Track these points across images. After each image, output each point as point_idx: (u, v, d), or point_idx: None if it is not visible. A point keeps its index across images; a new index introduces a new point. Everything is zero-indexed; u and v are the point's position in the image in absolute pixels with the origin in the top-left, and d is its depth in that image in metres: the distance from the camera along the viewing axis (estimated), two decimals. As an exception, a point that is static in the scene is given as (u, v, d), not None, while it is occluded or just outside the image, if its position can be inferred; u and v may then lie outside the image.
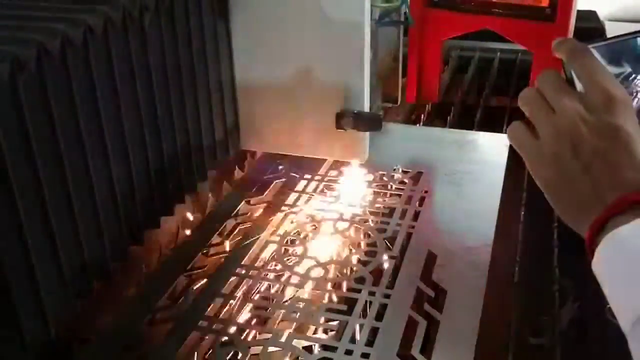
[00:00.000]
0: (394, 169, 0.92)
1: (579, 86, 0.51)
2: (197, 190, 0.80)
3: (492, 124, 1.16)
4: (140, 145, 0.67)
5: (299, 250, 0.76)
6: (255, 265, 0.74)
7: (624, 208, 0.44)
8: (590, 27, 1.45)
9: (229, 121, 0.85)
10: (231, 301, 0.68)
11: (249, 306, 0.67)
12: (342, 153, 0.86)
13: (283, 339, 0.62)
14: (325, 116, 0.81)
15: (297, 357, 0.60)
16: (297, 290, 0.70)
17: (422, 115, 1.22)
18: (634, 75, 0.54)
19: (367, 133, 0.83)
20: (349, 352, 0.60)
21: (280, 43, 0.81)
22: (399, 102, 1.02)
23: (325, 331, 0.65)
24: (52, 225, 0.55)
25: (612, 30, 1.43)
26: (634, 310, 0.41)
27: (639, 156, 0.46)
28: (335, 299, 0.69)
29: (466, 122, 1.18)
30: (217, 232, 0.80)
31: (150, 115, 0.68)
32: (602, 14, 1.57)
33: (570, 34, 1.11)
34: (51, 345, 0.57)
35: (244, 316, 0.66)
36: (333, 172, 0.92)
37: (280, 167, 0.93)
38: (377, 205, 0.85)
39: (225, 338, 0.63)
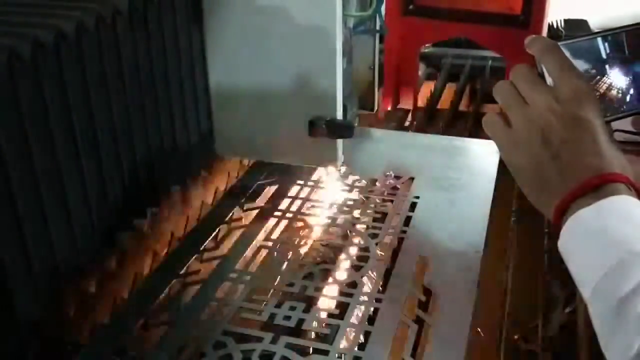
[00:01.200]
0: (386, 175, 0.93)
1: (549, 80, 0.54)
2: (170, 194, 0.80)
3: (482, 131, 1.17)
4: (113, 149, 0.67)
5: (291, 255, 0.76)
6: (248, 270, 0.74)
7: (586, 191, 0.48)
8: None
9: (203, 126, 0.85)
10: (223, 304, 0.68)
11: (242, 310, 0.68)
12: (316, 160, 0.87)
13: (276, 343, 0.63)
14: (298, 123, 0.82)
15: (290, 360, 0.61)
16: (289, 295, 0.70)
17: (414, 123, 1.23)
18: (598, 77, 0.57)
19: (340, 141, 0.84)
20: (340, 356, 0.61)
21: (254, 50, 0.81)
22: (375, 110, 1.04)
23: (317, 335, 0.65)
24: (22, 226, 0.56)
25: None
26: (592, 280, 0.46)
27: (602, 145, 0.50)
28: (327, 303, 0.70)
29: (457, 128, 1.19)
30: (211, 238, 0.81)
31: (122, 120, 0.68)
32: (592, 23, 1.59)
33: None
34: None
35: (236, 320, 0.67)
36: (325, 178, 0.93)
37: (273, 172, 0.94)
38: (369, 210, 0.85)
39: (218, 341, 0.63)
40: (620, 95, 0.59)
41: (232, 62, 0.83)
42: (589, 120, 0.51)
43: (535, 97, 0.53)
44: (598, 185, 0.48)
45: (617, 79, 0.59)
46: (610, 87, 0.59)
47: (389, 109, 1.27)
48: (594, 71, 0.58)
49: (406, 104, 1.28)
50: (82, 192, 0.63)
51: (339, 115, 0.82)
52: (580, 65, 0.57)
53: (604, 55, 0.59)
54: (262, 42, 0.81)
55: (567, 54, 0.55)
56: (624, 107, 0.59)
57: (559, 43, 0.56)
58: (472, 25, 1.16)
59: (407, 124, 1.26)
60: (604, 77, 0.59)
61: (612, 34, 0.59)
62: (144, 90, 0.71)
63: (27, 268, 0.57)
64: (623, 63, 0.59)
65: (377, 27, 0.97)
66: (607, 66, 0.59)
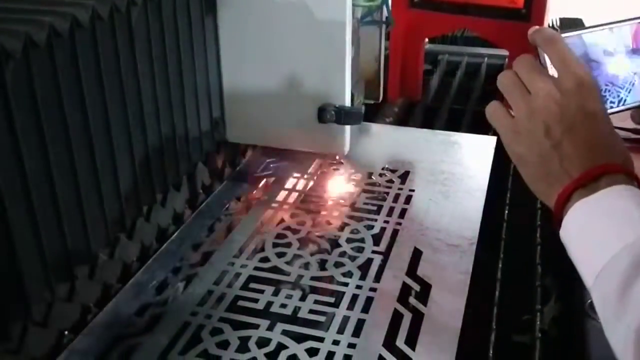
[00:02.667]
0: (382, 168, 0.94)
1: (551, 71, 0.55)
2: (182, 181, 0.81)
3: (479, 127, 1.18)
4: (125, 135, 0.68)
5: (287, 245, 0.77)
6: (245, 259, 0.75)
7: (587, 181, 0.49)
8: (576, 34, 1.48)
9: (215, 113, 0.86)
10: (220, 293, 0.69)
11: (238, 298, 0.69)
12: (324, 146, 0.89)
13: (272, 329, 0.63)
14: (308, 110, 0.84)
15: (286, 347, 0.62)
16: (285, 285, 0.71)
17: (411, 118, 1.24)
18: (601, 68, 0.58)
19: (348, 127, 0.86)
20: (336, 342, 0.62)
21: (266, 39, 0.83)
22: (380, 99, 1.05)
23: (313, 322, 0.66)
24: (35, 214, 0.56)
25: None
26: (594, 268, 0.46)
27: (605, 135, 0.51)
28: (323, 292, 0.71)
29: (453, 124, 1.20)
30: (208, 227, 0.81)
31: (135, 107, 0.69)
32: (587, 22, 1.60)
33: None
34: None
35: (233, 307, 0.68)
36: (322, 170, 0.94)
37: (271, 164, 0.95)
38: (365, 202, 0.86)
39: (215, 327, 0.64)
40: (623, 86, 0.60)
41: (244, 51, 0.85)
42: (591, 110, 0.51)
43: (538, 87, 0.53)
44: (600, 176, 0.49)
45: (620, 70, 0.60)
46: (613, 79, 0.60)
47: (394, 99, 1.29)
48: (597, 62, 0.59)
49: (411, 95, 1.30)
50: (94, 178, 0.64)
51: (348, 102, 0.84)
52: (584, 56, 0.58)
53: (607, 47, 0.59)
54: (274, 31, 0.83)
55: (571, 45, 0.55)
56: (627, 98, 0.60)
57: (563, 34, 0.56)
58: (476, 18, 1.18)
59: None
60: (607, 69, 0.59)
61: (616, 26, 0.60)
62: (157, 78, 0.71)
63: (40, 256, 0.58)
64: (626, 55, 0.60)
65: (384, 19, 0.99)
66: (610, 58, 0.59)
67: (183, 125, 0.79)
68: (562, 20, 1.57)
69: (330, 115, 0.83)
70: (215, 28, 0.84)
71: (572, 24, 1.55)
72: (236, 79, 0.87)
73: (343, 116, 0.83)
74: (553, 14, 1.61)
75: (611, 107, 0.59)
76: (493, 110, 0.56)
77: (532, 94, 0.53)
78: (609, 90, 0.60)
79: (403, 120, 1.25)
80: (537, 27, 0.57)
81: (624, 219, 0.47)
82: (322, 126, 0.84)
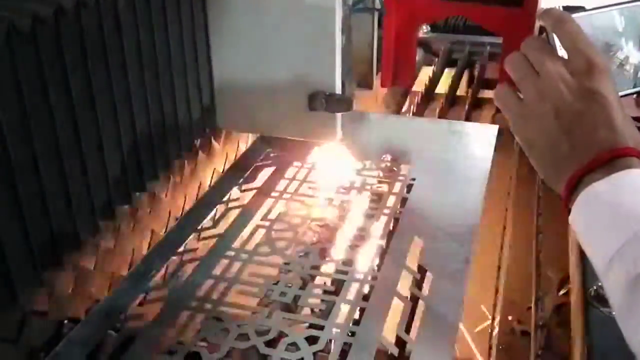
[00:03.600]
0: (383, 157, 0.93)
1: (561, 53, 0.53)
2: (171, 167, 0.81)
3: (479, 115, 1.18)
4: (112, 123, 0.68)
5: (288, 234, 0.77)
6: (246, 248, 0.75)
7: (598, 165, 0.48)
8: (578, 22, 1.47)
9: (205, 100, 0.86)
10: (221, 282, 0.69)
11: (239, 287, 0.68)
12: (315, 134, 0.88)
13: (272, 318, 0.63)
14: (298, 97, 0.84)
15: (285, 335, 0.61)
16: (286, 273, 0.71)
17: (412, 106, 1.24)
18: (612, 50, 0.56)
19: (339, 115, 0.85)
20: (336, 331, 0.62)
21: (256, 26, 0.83)
22: (373, 87, 1.04)
23: (312, 311, 0.66)
24: (20, 197, 0.56)
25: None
26: (606, 254, 0.45)
27: (615, 119, 0.49)
28: (323, 280, 0.70)
29: (454, 113, 1.20)
30: (209, 217, 0.81)
31: (122, 94, 0.68)
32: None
33: (537, 17, 1.15)
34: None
35: (233, 296, 0.67)
36: (323, 160, 0.94)
37: (271, 154, 0.94)
38: (365, 192, 0.86)
39: (215, 316, 0.64)
40: (634, 69, 0.58)
41: (234, 38, 0.84)
42: (602, 93, 0.49)
43: (548, 69, 0.51)
44: (610, 159, 0.47)
45: (631, 53, 0.58)
46: (624, 61, 0.58)
47: (387, 88, 1.28)
48: (608, 44, 0.57)
49: (404, 83, 1.29)
50: (81, 164, 0.64)
51: (338, 90, 0.83)
52: (595, 38, 0.55)
53: (619, 29, 0.58)
54: (264, 18, 0.82)
55: (582, 26, 0.53)
56: (637, 81, 0.58)
57: (573, 15, 0.54)
58: (469, 4, 1.18)
59: (404, 108, 1.26)
60: (619, 51, 0.57)
61: (627, 7, 0.58)
62: (145, 65, 0.71)
63: (25, 241, 0.58)
64: (638, 37, 0.58)
65: (377, 6, 0.98)
66: (622, 40, 0.58)
67: (172, 112, 0.78)
68: (565, 8, 1.55)
69: (321, 102, 0.83)
70: (204, 15, 0.83)
71: (575, 11, 1.54)
72: (227, 67, 0.86)
73: (333, 104, 0.83)
74: (556, 2, 1.60)
75: (622, 90, 0.57)
76: (501, 94, 0.55)
77: (541, 76, 0.51)
78: (619, 73, 0.58)
79: (404, 108, 1.25)
80: (547, 7, 0.55)
81: (636, 204, 0.46)
82: (313, 114, 0.84)
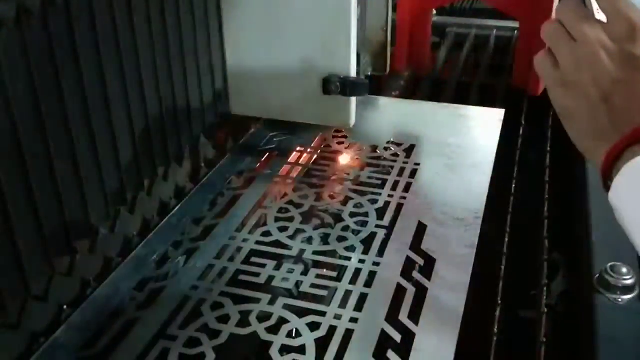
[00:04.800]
0: (388, 142, 0.92)
1: (598, 16, 0.49)
2: (184, 153, 0.80)
3: (486, 100, 1.16)
4: (124, 107, 0.67)
5: (290, 219, 0.76)
6: (247, 233, 0.74)
7: None
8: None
9: (218, 85, 0.85)
10: (222, 267, 0.68)
11: (240, 272, 0.68)
12: (329, 118, 0.86)
13: (273, 304, 0.63)
14: (312, 81, 0.82)
15: (287, 321, 0.61)
16: (287, 259, 0.70)
17: (417, 90, 1.23)
18: None
19: (354, 99, 0.84)
20: (338, 317, 0.61)
21: (270, 9, 0.81)
22: (387, 71, 1.02)
23: (315, 296, 0.65)
24: (32, 186, 0.55)
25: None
26: None
27: None
28: (325, 266, 0.70)
29: (461, 97, 1.18)
30: (210, 201, 0.80)
31: (134, 79, 0.67)
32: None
33: (556, 1, 1.13)
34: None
35: (234, 282, 0.67)
36: (326, 144, 0.93)
37: (275, 138, 0.93)
38: (369, 176, 0.85)
39: (216, 302, 0.63)
40: None
41: (247, 22, 0.83)
42: None
43: (585, 33, 0.47)
44: None
45: None
46: None
47: (401, 71, 1.27)
48: None
49: (418, 66, 1.27)
50: (93, 151, 0.63)
51: (353, 73, 0.82)
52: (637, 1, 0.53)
53: None
54: (278, 2, 0.81)
55: None
56: None
57: None
58: None
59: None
60: None
61: None
62: (157, 50, 0.70)
63: (37, 228, 0.57)
64: None
65: None
66: None
67: (184, 97, 0.77)
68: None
69: (335, 86, 0.81)
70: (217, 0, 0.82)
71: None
72: (239, 51, 0.85)
73: (348, 87, 0.81)
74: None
75: None
76: (540, 61, 0.51)
77: (578, 41, 0.48)
78: None
79: (410, 92, 1.24)
80: None
81: None
82: (327, 98, 0.82)
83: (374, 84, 1.23)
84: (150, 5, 0.68)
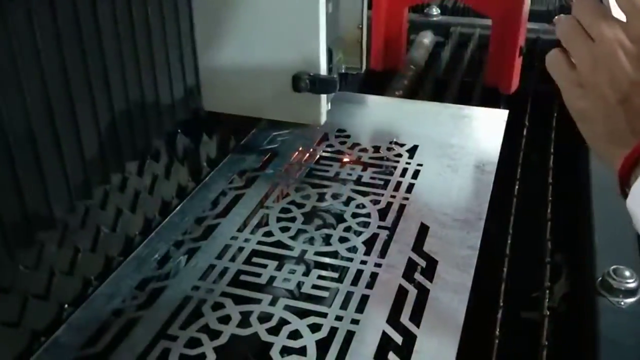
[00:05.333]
0: (390, 142, 0.92)
1: (616, 14, 0.47)
2: (152, 148, 0.79)
3: (489, 100, 1.16)
4: (88, 102, 0.65)
5: (292, 220, 0.76)
6: (249, 233, 0.74)
7: None
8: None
9: (189, 81, 0.84)
10: (223, 267, 0.68)
11: (241, 272, 0.68)
12: (300, 115, 0.86)
13: (274, 305, 0.62)
14: (283, 78, 0.82)
15: (288, 322, 0.61)
16: (289, 259, 0.70)
17: (420, 90, 1.22)
18: None
19: (324, 96, 0.83)
20: (339, 318, 0.61)
21: (240, 4, 0.81)
22: (363, 69, 1.02)
23: (316, 298, 0.65)
24: None
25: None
26: None
27: None
28: (327, 267, 0.69)
29: (464, 97, 1.18)
30: (211, 201, 0.80)
31: (99, 73, 0.66)
32: None
33: (528, 0, 1.15)
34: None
35: (235, 282, 0.67)
36: (329, 144, 0.93)
37: (277, 137, 0.93)
38: (371, 177, 0.85)
39: (217, 302, 0.63)
40: None
41: (218, 17, 0.82)
42: None
43: (603, 33, 0.45)
44: None
45: None
46: None
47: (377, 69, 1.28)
48: None
49: (394, 64, 1.29)
50: (55, 142, 0.62)
51: (323, 71, 0.81)
52: None
53: None
54: None
55: None
56: None
57: None
58: None
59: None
60: None
61: None
62: (123, 43, 0.68)
63: None
64: None
65: None
66: None
67: (153, 92, 0.76)
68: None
69: (305, 83, 0.81)
70: None
71: None
72: (211, 47, 0.84)
73: (318, 85, 0.81)
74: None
75: None
76: (553, 60, 0.49)
77: (595, 40, 0.46)
78: None
79: (413, 92, 1.23)
80: None
81: None
82: (298, 95, 0.82)
83: (377, 83, 1.23)
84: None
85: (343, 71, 0.92)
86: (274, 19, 0.80)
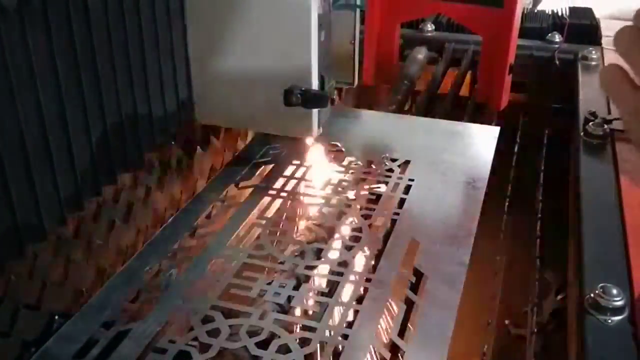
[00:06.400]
0: (382, 157, 0.93)
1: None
2: (143, 160, 0.79)
3: (481, 117, 1.17)
4: (80, 114, 0.66)
5: (284, 234, 0.76)
6: (240, 247, 0.74)
7: None
8: (585, 24, 1.46)
9: (182, 93, 0.85)
10: (214, 281, 0.68)
11: (231, 286, 0.68)
12: (291, 129, 0.88)
13: (263, 318, 0.63)
14: (275, 92, 0.83)
15: (277, 336, 0.61)
16: (280, 273, 0.70)
17: (414, 105, 1.23)
18: None
19: (316, 111, 0.85)
20: (328, 333, 0.61)
21: (234, 20, 0.82)
22: (355, 84, 1.04)
23: (305, 312, 0.65)
24: None
25: (607, 27, 1.44)
26: None
27: None
28: (317, 281, 0.70)
29: (457, 113, 1.19)
30: (204, 214, 0.81)
31: (91, 85, 0.67)
32: (597, 12, 1.58)
33: (517, 19, 1.18)
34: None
35: (226, 296, 0.67)
36: (322, 158, 0.93)
37: (270, 151, 0.94)
38: (363, 192, 0.85)
39: (207, 315, 0.63)
40: None
41: (211, 31, 0.83)
42: None
43: None
44: None
45: None
46: None
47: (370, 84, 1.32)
48: None
49: (385, 80, 1.31)
50: (46, 154, 0.62)
51: (315, 85, 0.83)
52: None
53: None
54: (242, 12, 0.82)
55: None
56: None
57: None
58: (450, 3, 1.21)
59: (406, 107, 1.25)
60: None
61: None
62: (116, 56, 0.69)
63: None
64: None
65: (357, 2, 0.98)
66: None
67: (146, 104, 0.77)
68: (571, 9, 1.54)
69: (296, 98, 0.82)
70: (181, 9, 0.82)
71: (582, 13, 1.53)
72: (205, 60, 0.86)
73: (309, 99, 0.82)
74: (563, 3, 1.59)
75: None
76: (609, 76, 0.43)
77: None
78: None
79: (406, 108, 1.24)
80: None
81: None
82: (290, 109, 0.83)
83: (372, 98, 1.24)
84: (109, 12, 0.68)
85: (334, 86, 0.93)
86: (267, 33, 0.81)
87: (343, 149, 0.96)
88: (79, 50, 0.64)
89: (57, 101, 0.62)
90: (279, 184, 0.87)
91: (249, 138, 0.99)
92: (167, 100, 0.80)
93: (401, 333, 0.62)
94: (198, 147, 0.88)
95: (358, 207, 0.82)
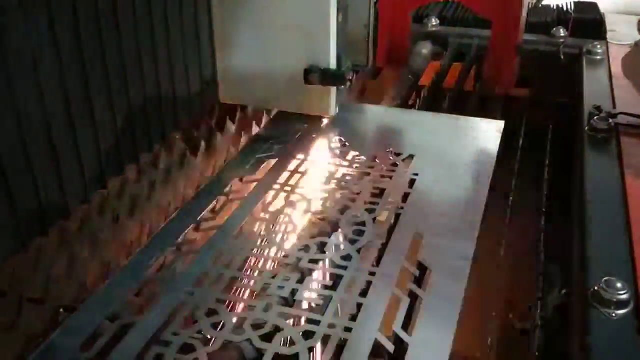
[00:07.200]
0: (387, 152, 0.93)
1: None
2: (167, 139, 0.81)
3: (486, 110, 1.17)
4: (105, 92, 0.67)
5: (288, 228, 0.76)
6: (245, 240, 0.74)
7: None
8: (590, 18, 1.46)
9: (206, 73, 0.87)
10: (218, 273, 0.69)
11: (236, 279, 0.68)
12: (310, 107, 0.92)
13: (268, 311, 0.63)
14: (295, 72, 0.87)
15: (281, 329, 0.61)
16: (284, 266, 0.70)
17: (418, 100, 1.23)
18: None
19: (334, 90, 0.89)
20: (332, 326, 0.61)
21: (256, 2, 0.86)
22: (369, 65, 1.07)
23: (309, 305, 0.65)
24: (5, 170, 0.56)
25: (612, 22, 1.44)
26: None
27: None
28: (321, 275, 0.70)
29: (462, 107, 1.19)
30: (209, 208, 0.81)
31: (116, 65, 0.68)
32: (602, 6, 1.57)
33: (525, 3, 1.24)
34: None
35: (231, 289, 0.67)
36: (325, 153, 0.93)
37: (275, 145, 0.94)
38: (367, 186, 0.85)
39: (211, 308, 0.63)
40: None
41: (235, 14, 0.87)
42: None
43: None
44: None
45: None
46: None
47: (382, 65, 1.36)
48: None
49: (397, 62, 1.36)
50: (72, 134, 0.63)
51: (333, 64, 0.86)
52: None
53: None
54: None
55: None
56: None
57: None
58: None
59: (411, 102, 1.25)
60: None
61: None
62: (141, 35, 0.70)
63: (12, 210, 0.57)
64: None
65: None
66: None
67: (170, 85, 0.78)
68: (576, 4, 1.54)
69: (316, 77, 0.86)
70: None
71: (587, 7, 1.53)
72: (228, 42, 0.89)
73: (328, 78, 0.86)
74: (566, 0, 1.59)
75: None
76: None
77: None
78: None
79: (412, 102, 1.24)
80: None
81: None
82: (309, 88, 0.87)
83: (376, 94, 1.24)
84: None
85: (350, 67, 0.96)
86: (288, 15, 0.85)
87: (347, 144, 0.95)
88: (104, 29, 0.64)
89: (82, 81, 0.63)
90: (283, 178, 0.87)
91: (252, 133, 0.99)
92: (191, 79, 0.82)
93: (405, 326, 0.62)
94: (202, 141, 0.88)
95: (362, 201, 0.82)
